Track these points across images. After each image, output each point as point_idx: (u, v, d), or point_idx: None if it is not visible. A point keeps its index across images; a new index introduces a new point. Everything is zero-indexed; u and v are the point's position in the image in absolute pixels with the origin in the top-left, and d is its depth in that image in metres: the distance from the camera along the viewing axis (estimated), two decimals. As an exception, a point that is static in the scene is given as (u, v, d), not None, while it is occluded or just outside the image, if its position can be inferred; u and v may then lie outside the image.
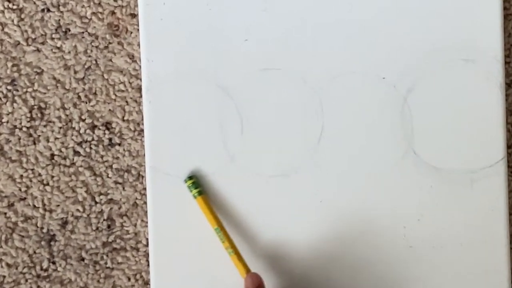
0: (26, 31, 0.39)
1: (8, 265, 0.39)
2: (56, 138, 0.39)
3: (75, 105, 0.39)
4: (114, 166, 0.39)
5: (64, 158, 0.39)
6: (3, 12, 0.40)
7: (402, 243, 0.37)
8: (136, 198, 0.39)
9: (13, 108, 0.39)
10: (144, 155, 0.38)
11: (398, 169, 0.37)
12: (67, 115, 0.39)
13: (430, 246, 0.37)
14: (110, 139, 0.39)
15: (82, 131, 0.39)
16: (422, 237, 0.37)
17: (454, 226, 0.37)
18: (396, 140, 0.37)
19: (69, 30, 0.39)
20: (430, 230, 0.37)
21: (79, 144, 0.39)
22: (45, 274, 0.39)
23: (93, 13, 0.39)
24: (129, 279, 0.40)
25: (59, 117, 0.39)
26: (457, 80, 0.37)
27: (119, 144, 0.39)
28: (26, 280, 0.39)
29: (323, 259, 0.37)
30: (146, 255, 0.39)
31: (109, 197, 0.39)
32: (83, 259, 0.39)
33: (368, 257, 0.37)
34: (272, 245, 0.37)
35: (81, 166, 0.39)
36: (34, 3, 0.39)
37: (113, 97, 0.39)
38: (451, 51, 0.37)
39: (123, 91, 0.40)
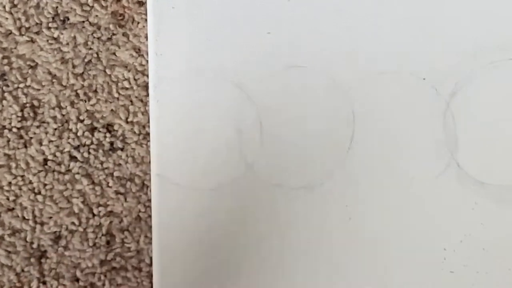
0: (19, 19, 0.39)
1: (-8, 285, 0.39)
2: (50, 141, 0.39)
3: (72, 103, 0.39)
4: (115, 174, 0.39)
5: (59, 164, 0.39)
6: (-7, -3, 0.40)
7: (442, 268, 0.35)
8: (140, 211, 0.39)
9: (2, 106, 0.39)
10: (150, 162, 0.37)
11: (439, 183, 0.36)
12: (63, 115, 0.39)
13: (473, 271, 0.35)
14: (111, 143, 0.39)
15: (80, 133, 0.39)
16: (465, 261, 0.36)
17: (502, 249, 0.35)
18: (437, 151, 0.36)
19: (68, 19, 0.40)
20: (474, 254, 0.35)
21: (76, 148, 0.39)
22: (34, 295, 0.39)
23: (96, 0, 0.39)
24: (129, 303, 0.39)
25: (54, 117, 0.39)
26: (507, 83, 0.36)
27: (122, 149, 0.39)
28: (12, 302, 0.39)
29: (351, 284, 0.36)
30: (150, 276, 0.39)
31: (108, 209, 0.39)
32: (77, 280, 0.39)
33: (403, 283, 0.35)
34: (294, 268, 0.36)
35: (78, 173, 0.39)
36: (29, -13, 0.40)
37: (116, 95, 0.39)
38: (499, 50, 0.36)
39: (127, 88, 0.39)
